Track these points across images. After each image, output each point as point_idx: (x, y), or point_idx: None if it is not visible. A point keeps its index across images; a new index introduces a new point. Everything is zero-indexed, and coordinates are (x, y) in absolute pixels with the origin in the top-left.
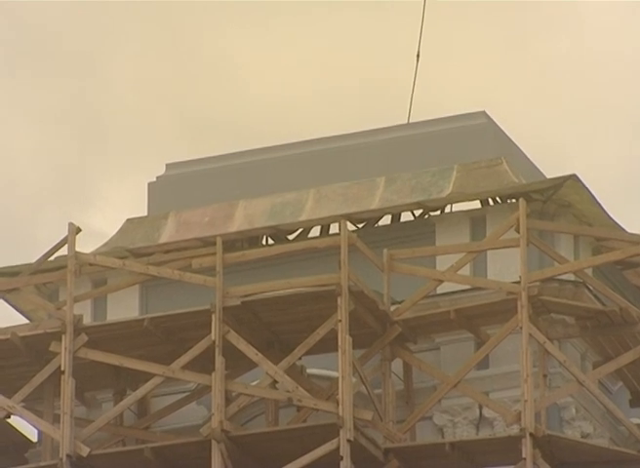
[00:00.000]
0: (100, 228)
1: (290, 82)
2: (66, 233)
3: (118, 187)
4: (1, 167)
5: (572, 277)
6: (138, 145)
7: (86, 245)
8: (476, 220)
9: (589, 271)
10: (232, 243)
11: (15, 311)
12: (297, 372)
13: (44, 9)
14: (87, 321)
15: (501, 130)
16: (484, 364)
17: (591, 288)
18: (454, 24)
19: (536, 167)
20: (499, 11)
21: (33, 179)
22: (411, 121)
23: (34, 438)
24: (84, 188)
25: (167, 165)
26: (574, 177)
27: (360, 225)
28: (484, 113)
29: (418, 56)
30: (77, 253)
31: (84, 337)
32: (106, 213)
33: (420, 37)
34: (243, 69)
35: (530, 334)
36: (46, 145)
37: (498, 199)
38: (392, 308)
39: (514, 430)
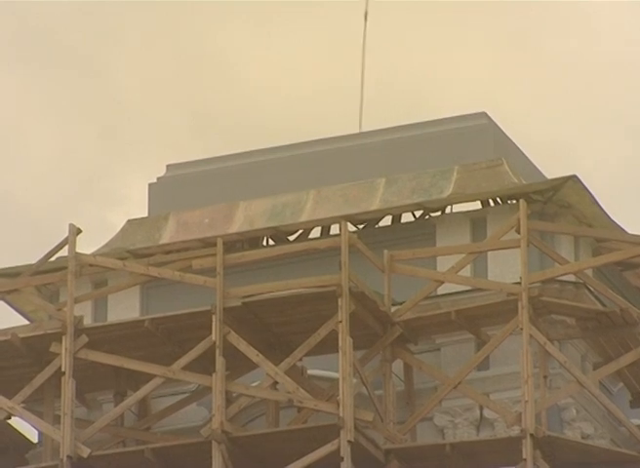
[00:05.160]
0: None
1: (292, 82)
2: (76, 234)
3: (136, 185)
4: (17, 169)
5: (572, 278)
6: (148, 143)
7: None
8: (477, 221)
9: (590, 272)
10: (233, 244)
11: (15, 312)
12: (297, 373)
13: (46, 9)
14: (87, 322)
15: (502, 130)
16: (484, 365)
17: (592, 289)
18: (455, 25)
19: (536, 168)
20: (501, 11)
21: (46, 180)
22: (411, 122)
23: (35, 439)
24: (98, 186)
25: (167, 166)
26: (574, 178)
27: (360, 226)
28: (484, 114)
29: (365, 15)
30: (77, 253)
31: (84, 338)
32: (127, 210)
33: None
34: (246, 70)
35: (530, 335)
36: (53, 146)
37: (498, 200)
38: (393, 309)
39: (515, 431)
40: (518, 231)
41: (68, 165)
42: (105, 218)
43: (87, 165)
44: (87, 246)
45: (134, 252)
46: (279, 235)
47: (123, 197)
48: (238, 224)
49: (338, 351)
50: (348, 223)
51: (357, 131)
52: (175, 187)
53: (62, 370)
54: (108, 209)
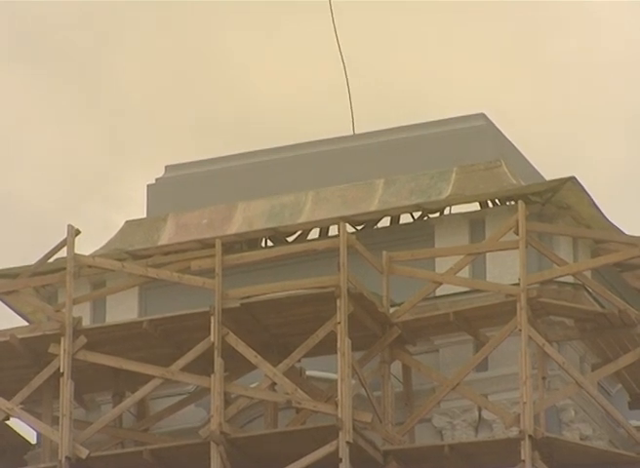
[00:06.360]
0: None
1: (292, 82)
2: (75, 235)
3: (139, 186)
4: (17, 169)
5: (571, 279)
6: (149, 143)
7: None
8: (475, 223)
9: (588, 273)
10: (231, 245)
11: (14, 313)
12: (296, 374)
13: (46, 9)
14: (86, 323)
15: (501, 132)
16: (483, 366)
17: (590, 290)
18: (455, 25)
19: (535, 169)
20: (500, 11)
21: (46, 180)
22: (410, 123)
23: (33, 440)
24: (99, 187)
25: (166, 167)
26: (572, 180)
27: (359, 227)
28: (483, 115)
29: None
30: (76, 254)
31: (83, 339)
32: (129, 211)
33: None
34: (246, 70)
35: (529, 337)
36: (53, 146)
37: (497, 201)
38: (391, 310)
39: (513, 432)
40: (517, 232)
41: (69, 165)
42: (107, 219)
43: (88, 165)
44: (88, 247)
45: (132, 253)
46: (278, 236)
47: (125, 198)
48: (237, 225)
49: (336, 352)
50: (347, 224)
51: (359, 131)
52: (173, 188)
53: (61, 371)
54: (110, 209)
